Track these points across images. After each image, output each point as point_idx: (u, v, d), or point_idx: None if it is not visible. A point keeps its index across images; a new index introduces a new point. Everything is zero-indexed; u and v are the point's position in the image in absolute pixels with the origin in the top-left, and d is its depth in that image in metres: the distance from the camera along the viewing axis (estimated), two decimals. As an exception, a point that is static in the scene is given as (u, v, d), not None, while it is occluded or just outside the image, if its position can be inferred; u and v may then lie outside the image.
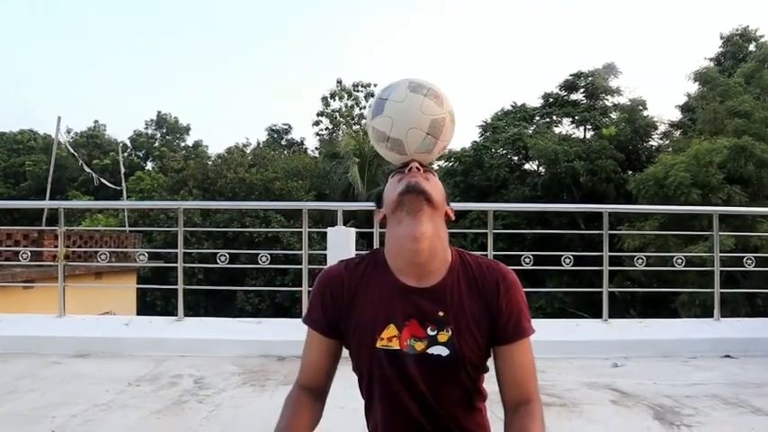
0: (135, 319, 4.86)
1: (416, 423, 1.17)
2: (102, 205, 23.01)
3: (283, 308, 17.06)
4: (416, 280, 1.17)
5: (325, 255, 4.51)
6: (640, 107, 19.26)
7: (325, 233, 4.42)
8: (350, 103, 28.25)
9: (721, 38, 20.22)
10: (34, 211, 19.45)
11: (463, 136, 22.82)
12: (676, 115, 20.37)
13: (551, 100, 21.65)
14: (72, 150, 22.74)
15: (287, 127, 35.39)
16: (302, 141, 34.19)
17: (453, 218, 1.28)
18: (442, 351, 1.14)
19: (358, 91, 28.09)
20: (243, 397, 3.01)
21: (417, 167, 1.20)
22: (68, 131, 33.70)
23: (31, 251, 4.92)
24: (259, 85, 61.82)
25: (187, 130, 38.40)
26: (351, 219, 16.48)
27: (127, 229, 16.13)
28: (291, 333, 3.14)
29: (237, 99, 62.71)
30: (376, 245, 3.92)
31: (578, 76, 21.17)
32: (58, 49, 60.81)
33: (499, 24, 61.30)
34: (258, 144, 33.23)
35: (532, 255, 4.60)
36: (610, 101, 21.09)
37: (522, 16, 60.01)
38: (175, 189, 22.77)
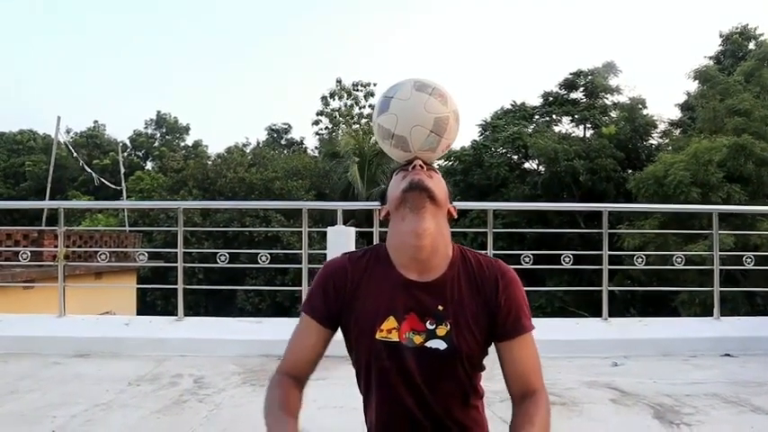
0: (135, 319, 4.86)
1: (413, 416, 1.17)
2: (102, 205, 22.99)
3: (283, 307, 17.07)
4: (418, 274, 1.18)
5: (325, 254, 4.52)
6: (640, 106, 19.26)
7: (325, 232, 4.42)
8: (349, 102, 28.26)
9: (721, 36, 20.23)
10: (34, 211, 19.45)
11: (463, 135, 22.81)
12: (676, 114, 20.40)
13: (551, 99, 21.65)
14: (72, 150, 22.74)
15: (287, 126, 35.43)
16: (302, 141, 34.24)
17: (456, 215, 1.29)
18: (440, 345, 1.16)
19: (358, 90, 28.12)
20: (243, 396, 3.01)
21: (421, 165, 1.23)
22: (68, 131, 33.74)
23: (31, 251, 4.92)
24: (259, 85, 61.90)
25: (187, 129, 38.41)
26: (350, 218, 16.48)
27: (127, 228, 16.12)
28: (291, 332, 3.14)
29: (237, 99, 62.76)
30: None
31: (578, 74, 21.17)
32: (57, 49, 60.85)
33: (499, 23, 61.32)
34: (258, 144, 33.27)
35: (532, 254, 4.60)
36: (609, 99, 21.10)
37: (521, 15, 60.02)
38: (175, 189, 22.77)
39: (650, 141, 19.56)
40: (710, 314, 4.69)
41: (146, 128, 37.94)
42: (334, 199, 19.40)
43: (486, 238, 4.53)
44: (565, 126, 21.19)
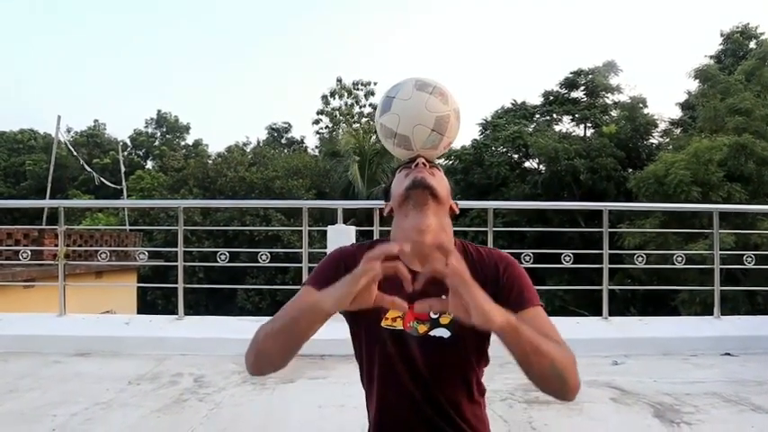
0: (135, 318, 4.86)
1: (416, 405, 1.17)
2: (103, 204, 22.99)
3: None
4: (422, 265, 1.18)
5: (326, 253, 4.52)
6: (641, 105, 19.26)
7: (326, 231, 4.43)
8: (350, 101, 28.23)
9: (722, 35, 20.22)
10: (34, 211, 19.45)
11: (463, 134, 22.82)
12: (676, 113, 20.40)
13: (551, 98, 21.65)
14: (72, 150, 22.75)
15: (287, 125, 35.43)
16: (302, 140, 34.24)
17: (458, 212, 1.32)
18: (444, 333, 1.17)
19: (358, 89, 28.07)
20: (243, 395, 3.02)
21: (423, 163, 1.25)
22: (68, 130, 33.77)
23: (31, 250, 4.92)
24: (259, 84, 61.89)
25: (187, 128, 38.40)
26: (351, 217, 16.51)
27: (127, 227, 16.12)
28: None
29: (237, 98, 62.82)
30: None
31: (578, 73, 21.17)
32: (58, 49, 60.87)
33: (499, 22, 61.27)
34: (258, 143, 33.27)
35: (532, 253, 4.60)
36: (610, 99, 21.10)
37: (522, 14, 59.97)
38: (175, 188, 22.78)
39: (651, 140, 19.56)
40: (711, 313, 4.69)
41: (146, 127, 37.97)
42: (335, 198, 19.40)
43: (486, 237, 4.52)
44: (565, 125, 21.22)
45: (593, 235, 13.97)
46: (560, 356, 1.04)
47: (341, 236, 4.22)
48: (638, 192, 14.79)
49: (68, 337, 3.97)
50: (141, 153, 36.62)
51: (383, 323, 1.18)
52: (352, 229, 4.47)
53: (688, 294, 12.19)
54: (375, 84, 27.89)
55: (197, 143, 36.80)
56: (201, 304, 17.68)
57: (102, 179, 19.67)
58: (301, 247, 4.47)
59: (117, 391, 3.05)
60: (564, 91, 21.62)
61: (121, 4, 60.02)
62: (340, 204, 4.89)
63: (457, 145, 19.88)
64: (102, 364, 3.61)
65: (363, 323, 1.22)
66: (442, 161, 19.79)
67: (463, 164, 19.57)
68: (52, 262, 6.68)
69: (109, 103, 59.35)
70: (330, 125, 28.67)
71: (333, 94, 28.19)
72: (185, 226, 5.23)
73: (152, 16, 60.21)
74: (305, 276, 4.37)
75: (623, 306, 14.61)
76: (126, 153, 31.91)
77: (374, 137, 23.49)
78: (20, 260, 4.85)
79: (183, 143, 37.35)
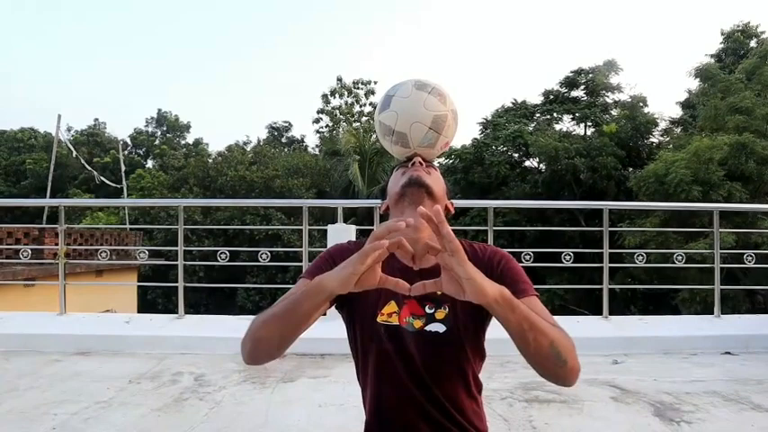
0: (136, 317, 4.86)
1: (413, 401, 1.17)
2: (103, 203, 22.92)
3: (284, 305, 17.02)
4: (417, 262, 1.20)
5: (326, 252, 4.52)
6: (641, 104, 19.23)
7: (326, 230, 4.43)
8: (350, 100, 28.23)
9: (722, 34, 20.18)
10: (35, 209, 19.48)
11: (464, 133, 22.85)
12: (677, 112, 20.37)
13: (552, 97, 21.63)
14: (72, 148, 22.75)
15: (287, 124, 35.39)
16: (303, 139, 34.22)
17: (453, 211, 1.33)
18: (440, 328, 1.17)
19: (358, 88, 28.07)
20: (243, 394, 3.02)
21: (420, 162, 1.27)
22: (69, 129, 33.78)
23: (31, 249, 4.92)
24: (259, 83, 61.84)
25: (187, 127, 38.38)
26: (351, 216, 16.51)
27: (127, 226, 16.11)
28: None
29: (238, 97, 62.80)
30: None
31: (579, 72, 21.15)
32: (58, 48, 60.82)
33: (499, 21, 61.23)
34: (258, 142, 33.21)
35: (533, 252, 4.60)
36: (610, 98, 21.08)
37: (522, 13, 59.91)
38: (176, 187, 22.78)
39: (651, 139, 19.53)
40: (711, 312, 4.69)
41: (146, 126, 37.95)
42: (335, 197, 19.40)
43: (486, 236, 4.53)
44: (566, 124, 21.19)
45: (594, 234, 14.00)
46: (559, 336, 1.04)
47: (341, 235, 4.22)
48: (638, 191, 14.78)
49: (69, 336, 3.98)
50: (141, 152, 36.60)
51: (379, 319, 1.19)
52: (353, 228, 4.47)
53: (688, 293, 12.19)
54: (375, 83, 27.93)
55: (197, 142, 36.79)
56: (202, 303, 17.71)
57: (102, 178, 19.69)
58: (302, 247, 4.47)
59: (117, 389, 3.05)
60: (564, 90, 21.59)
61: (122, 2, 60.02)
62: (340, 203, 4.89)
63: (457, 144, 19.88)
64: (102, 362, 3.61)
65: (359, 319, 1.22)
66: (442, 160, 19.87)
67: (463, 163, 19.55)
68: (53, 261, 6.69)
69: (109, 102, 59.42)
70: (330, 124, 28.68)
71: (333, 93, 28.20)
72: (185, 225, 5.23)
73: (153, 15, 60.25)
74: (305, 275, 4.37)
75: (623, 305, 14.62)
76: (126, 152, 31.92)
77: (374, 136, 23.46)
78: (20, 259, 4.85)
79: (183, 142, 37.34)
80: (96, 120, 36.51)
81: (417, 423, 1.17)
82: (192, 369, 3.44)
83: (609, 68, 20.65)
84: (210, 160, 25.66)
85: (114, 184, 20.45)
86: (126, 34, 62.52)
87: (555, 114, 21.18)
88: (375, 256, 0.94)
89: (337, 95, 28.21)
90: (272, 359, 1.14)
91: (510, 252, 1.30)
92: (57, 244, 4.87)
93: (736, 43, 19.49)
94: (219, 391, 3.05)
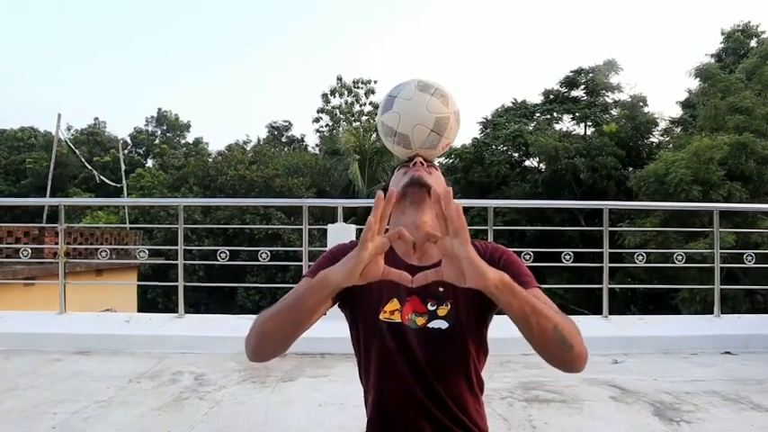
0: (136, 316, 4.86)
1: (416, 399, 1.17)
2: (103, 202, 22.91)
3: (284, 305, 17.02)
4: (418, 260, 1.21)
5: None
6: (641, 103, 19.24)
7: (326, 230, 4.43)
8: (350, 99, 28.20)
9: (722, 34, 20.17)
10: (35, 209, 19.47)
11: (464, 133, 22.80)
12: (677, 111, 20.36)
13: (552, 96, 21.63)
14: (72, 147, 22.75)
15: (287, 124, 35.38)
16: (302, 138, 34.19)
17: None
18: (442, 324, 1.17)
19: (358, 88, 28.04)
20: (243, 393, 3.02)
21: (421, 162, 1.29)
22: (69, 129, 33.77)
23: (31, 248, 4.92)
24: (259, 82, 61.81)
25: (187, 127, 38.37)
26: (351, 216, 16.50)
27: (127, 226, 16.13)
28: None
29: (238, 96, 62.76)
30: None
31: (579, 72, 21.14)
32: (58, 47, 60.78)
33: (499, 21, 61.21)
34: (258, 141, 33.19)
35: (533, 251, 4.60)
36: (610, 97, 21.08)
37: (522, 13, 59.89)
38: (176, 186, 22.78)
39: (651, 139, 19.53)
40: (711, 312, 4.69)
41: (146, 125, 37.92)
42: (335, 196, 19.39)
43: (486, 236, 4.53)
44: (566, 124, 21.19)
45: (594, 234, 13.99)
46: (563, 321, 1.04)
47: (341, 234, 4.22)
48: (638, 190, 14.78)
49: (68, 335, 3.98)
50: (141, 151, 36.60)
51: (381, 316, 1.19)
52: (353, 227, 4.47)
53: (688, 293, 12.19)
54: (375, 82, 27.90)
55: (197, 141, 36.79)
56: (202, 303, 17.70)
57: (102, 177, 19.71)
58: (301, 246, 4.48)
59: (117, 389, 3.06)
60: (564, 90, 21.59)
61: (122, 2, 59.98)
62: (340, 203, 4.89)
63: (457, 143, 19.87)
64: (102, 362, 3.62)
65: (361, 317, 1.22)
66: (441, 159, 19.87)
67: (463, 162, 19.55)
68: (52, 260, 6.69)
69: (109, 102, 59.37)
70: (330, 123, 28.66)
71: (333, 93, 28.17)
72: (185, 224, 5.24)
73: (152, 13, 60.22)
74: (305, 275, 4.37)
75: (623, 305, 14.62)
76: (126, 151, 31.91)
77: (374, 135, 23.48)
78: (20, 258, 4.85)
79: (183, 141, 37.32)
80: (96, 119, 36.54)
81: (419, 422, 1.16)
82: (191, 368, 3.44)
83: (609, 68, 20.65)
84: (210, 159, 25.65)
85: (114, 184, 20.46)
86: (126, 34, 62.52)
87: (555, 114, 21.18)
88: (377, 243, 0.96)
89: (337, 95, 28.19)
90: (276, 355, 1.15)
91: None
92: (57, 243, 4.87)
93: (737, 43, 19.49)
94: (219, 391, 3.05)
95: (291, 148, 31.61)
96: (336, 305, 1.22)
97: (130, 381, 3.21)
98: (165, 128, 38.03)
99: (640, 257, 4.95)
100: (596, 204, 7.05)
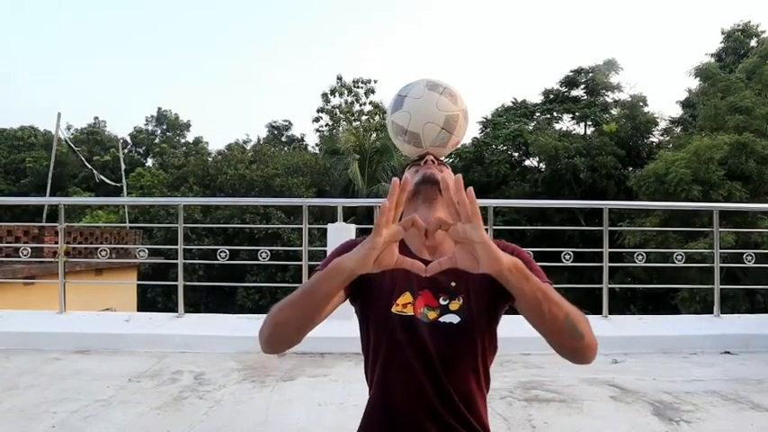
0: (135, 316, 4.87)
1: (423, 394, 1.16)
2: (103, 201, 22.92)
3: (284, 304, 17.02)
4: (431, 255, 1.21)
5: (326, 251, 4.52)
6: (641, 103, 19.25)
7: (326, 229, 4.43)
8: (350, 99, 28.17)
9: (722, 33, 20.19)
10: (35, 208, 19.46)
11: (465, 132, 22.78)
12: (677, 111, 20.40)
13: (552, 96, 21.64)
14: (72, 147, 22.75)
15: (287, 123, 35.34)
16: (302, 138, 34.15)
17: None
18: (454, 319, 1.18)
19: (358, 87, 28.01)
20: (243, 393, 3.02)
21: (432, 160, 1.31)
22: (69, 128, 33.71)
23: (31, 247, 4.92)
24: (259, 82, 61.74)
25: (187, 126, 38.33)
26: (351, 215, 16.50)
27: (127, 225, 16.14)
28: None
29: (238, 95, 62.66)
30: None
31: (579, 72, 21.16)
32: (58, 46, 60.75)
33: (499, 21, 61.19)
34: (258, 140, 33.15)
35: (533, 251, 4.58)
36: (610, 97, 21.10)
37: (522, 12, 59.86)
38: (176, 185, 22.75)
39: (651, 139, 19.56)
40: (711, 312, 4.69)
41: (146, 124, 37.88)
42: (335, 196, 19.39)
43: (486, 236, 4.52)
44: (565, 123, 21.23)
45: (594, 233, 14.00)
46: (573, 310, 1.05)
47: (341, 234, 4.22)
48: (638, 190, 14.80)
49: (68, 335, 3.98)
50: (141, 150, 36.56)
51: (393, 309, 1.19)
52: (353, 227, 4.47)
53: (688, 293, 12.21)
54: (375, 82, 27.85)
55: (197, 141, 36.75)
56: (201, 302, 17.69)
57: (102, 177, 19.70)
58: (301, 245, 4.48)
59: (117, 388, 3.06)
60: (564, 89, 21.60)
61: (122, 2, 59.94)
62: (340, 202, 4.89)
63: (458, 143, 19.86)
64: (101, 361, 3.62)
65: (373, 309, 1.22)
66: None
67: (463, 162, 19.56)
68: (52, 259, 6.69)
69: (109, 101, 59.23)
70: (330, 123, 28.64)
71: (333, 92, 28.15)
72: (185, 223, 5.24)
73: (152, 13, 60.18)
74: (305, 274, 4.37)
75: (623, 304, 14.62)
76: (126, 150, 31.89)
77: (374, 135, 23.49)
78: (20, 257, 4.85)
79: (183, 141, 37.29)
80: (96, 118, 36.49)
81: (424, 418, 1.16)
82: (191, 368, 3.44)
83: (609, 68, 20.67)
84: (210, 159, 25.64)
85: (114, 183, 20.46)
86: (126, 34, 62.44)
87: (555, 114, 21.20)
88: (392, 230, 0.96)
89: (337, 94, 28.16)
90: (291, 346, 1.15)
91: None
92: (56, 242, 4.87)
93: (737, 43, 19.50)
94: (219, 390, 3.05)
95: (291, 148, 31.60)
96: (348, 300, 1.23)
97: (130, 380, 3.21)
98: (164, 127, 38.01)
99: (640, 257, 4.95)
100: (596, 204, 7.05)
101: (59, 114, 15.54)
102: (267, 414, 2.73)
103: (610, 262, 4.65)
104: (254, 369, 3.41)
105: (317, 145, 30.30)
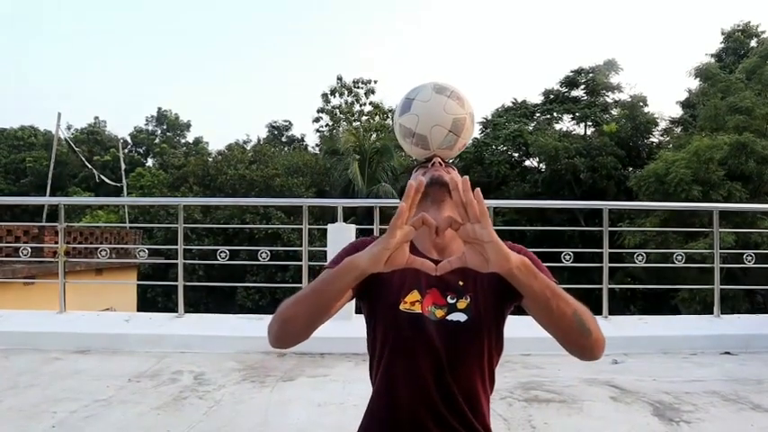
0: (135, 316, 4.87)
1: (427, 393, 1.16)
2: (103, 201, 22.94)
3: (283, 304, 17.03)
4: (439, 255, 1.22)
5: (326, 251, 4.52)
6: (641, 103, 19.26)
7: (326, 230, 4.43)
8: (350, 99, 28.19)
9: (722, 34, 20.20)
10: (35, 208, 19.46)
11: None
12: (677, 111, 20.40)
13: (552, 96, 21.65)
14: (73, 146, 22.75)
15: (287, 123, 35.35)
16: (302, 138, 34.17)
17: None
18: (461, 317, 1.19)
19: (358, 87, 28.03)
20: (243, 393, 3.02)
21: (440, 162, 1.33)
22: (69, 128, 33.69)
23: (31, 247, 4.92)
24: (259, 82, 61.72)
25: (188, 126, 38.33)
26: (351, 215, 16.51)
27: (127, 225, 16.13)
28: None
29: (238, 96, 62.63)
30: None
31: (579, 72, 21.16)
32: (59, 46, 60.74)
33: (500, 21, 61.18)
34: (258, 140, 33.16)
35: (533, 251, 4.59)
36: (610, 97, 21.11)
37: (522, 12, 59.85)
38: (176, 185, 22.76)
39: (651, 139, 19.56)
40: (711, 312, 4.69)
41: (146, 124, 37.87)
42: (335, 196, 19.38)
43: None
44: (566, 124, 21.24)
45: (594, 234, 14.00)
46: (581, 307, 1.07)
47: (341, 234, 4.22)
48: (638, 190, 14.80)
49: (68, 335, 3.98)
50: (141, 150, 36.56)
51: (401, 307, 1.20)
52: (353, 227, 4.47)
53: (688, 293, 12.21)
54: (375, 82, 27.90)
55: (197, 141, 36.75)
56: (201, 302, 17.68)
57: (102, 176, 19.69)
58: (301, 246, 4.47)
59: (117, 388, 3.06)
60: (564, 89, 21.61)
61: (122, 2, 59.94)
62: (340, 203, 4.89)
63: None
64: (101, 361, 3.62)
65: (381, 308, 1.22)
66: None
67: (463, 162, 19.57)
68: (52, 259, 6.69)
69: (109, 101, 59.17)
70: (330, 123, 28.66)
71: (333, 93, 28.17)
72: (185, 224, 5.24)
73: (152, 13, 60.16)
74: (305, 275, 4.37)
75: (623, 305, 14.63)
76: (126, 150, 31.88)
77: (374, 135, 23.50)
78: (20, 257, 4.85)
79: (183, 141, 37.29)
80: (96, 118, 36.48)
81: (426, 421, 1.16)
82: (191, 368, 3.44)
83: (609, 68, 20.68)
84: (210, 159, 25.65)
85: (114, 183, 20.46)
86: (126, 34, 62.41)
87: (555, 114, 21.21)
88: (405, 231, 0.98)
89: (337, 95, 28.18)
90: (299, 341, 1.16)
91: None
92: (56, 242, 4.87)
93: (737, 43, 19.51)
94: (219, 390, 3.05)
95: (291, 148, 31.60)
96: (355, 298, 1.24)
97: (130, 380, 3.21)
98: (165, 127, 38.01)
99: (640, 257, 4.95)
100: (596, 204, 7.05)
101: (59, 114, 15.55)
102: (267, 414, 2.73)
103: (610, 262, 4.65)
104: (253, 369, 3.41)
105: (317, 145, 30.32)
